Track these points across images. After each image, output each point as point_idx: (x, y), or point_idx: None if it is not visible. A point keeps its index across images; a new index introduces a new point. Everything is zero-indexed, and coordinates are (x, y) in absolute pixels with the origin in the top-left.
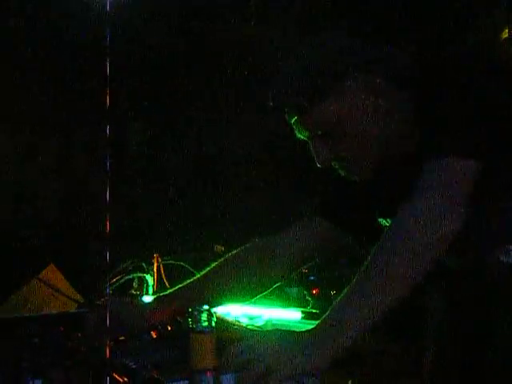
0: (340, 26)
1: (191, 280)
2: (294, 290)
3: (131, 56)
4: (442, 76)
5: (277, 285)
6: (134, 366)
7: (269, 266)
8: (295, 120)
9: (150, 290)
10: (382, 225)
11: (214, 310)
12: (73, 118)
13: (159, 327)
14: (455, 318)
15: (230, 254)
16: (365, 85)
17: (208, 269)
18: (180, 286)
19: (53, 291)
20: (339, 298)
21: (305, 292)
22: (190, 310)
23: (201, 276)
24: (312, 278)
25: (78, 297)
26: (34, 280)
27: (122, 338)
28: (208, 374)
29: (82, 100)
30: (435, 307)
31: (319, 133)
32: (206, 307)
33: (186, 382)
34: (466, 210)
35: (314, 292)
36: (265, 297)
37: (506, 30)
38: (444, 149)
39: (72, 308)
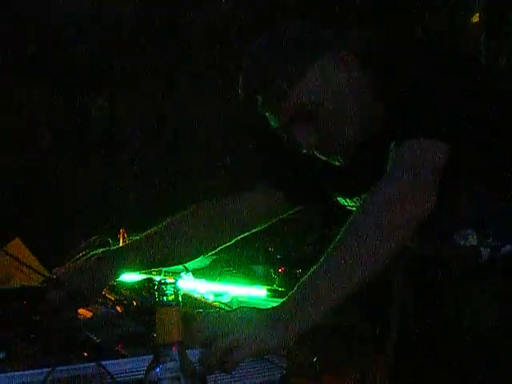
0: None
1: (139, 237)
2: (260, 267)
3: (94, 31)
4: (405, 56)
5: (222, 246)
6: (98, 341)
7: (218, 226)
8: (271, 108)
9: None
10: (340, 203)
11: (179, 286)
12: (36, 93)
13: (124, 301)
14: (418, 297)
15: (178, 213)
16: (336, 60)
17: (155, 227)
18: (128, 243)
19: (18, 264)
20: (306, 276)
21: (271, 270)
22: (156, 283)
23: (147, 234)
24: (278, 256)
25: (46, 272)
26: (0, 252)
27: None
28: (173, 348)
29: (45, 76)
30: (400, 286)
31: (300, 115)
32: (172, 281)
33: (151, 356)
34: (436, 192)
35: (280, 270)
36: (231, 274)
37: (477, 15)
38: (415, 131)
39: (37, 282)
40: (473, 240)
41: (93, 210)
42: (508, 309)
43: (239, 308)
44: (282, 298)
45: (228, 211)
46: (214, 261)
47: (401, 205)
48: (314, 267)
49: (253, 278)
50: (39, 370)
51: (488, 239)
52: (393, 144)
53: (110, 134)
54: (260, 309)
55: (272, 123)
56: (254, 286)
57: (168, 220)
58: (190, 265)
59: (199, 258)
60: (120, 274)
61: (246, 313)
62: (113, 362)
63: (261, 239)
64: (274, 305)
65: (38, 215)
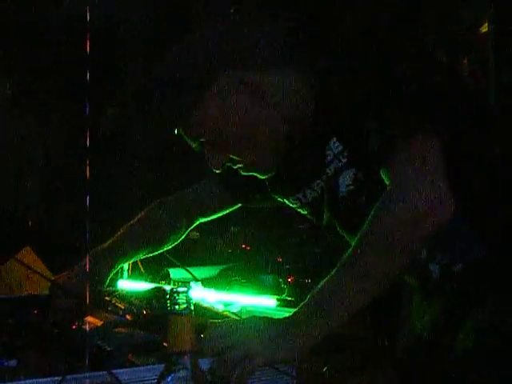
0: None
1: (126, 228)
2: (270, 277)
3: (103, 40)
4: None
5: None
6: (109, 349)
7: (174, 217)
8: (177, 129)
9: (125, 274)
10: (284, 202)
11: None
12: (49, 102)
13: (134, 310)
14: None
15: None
16: (237, 83)
17: (124, 228)
18: (115, 236)
19: (29, 272)
20: (318, 287)
21: (280, 280)
22: (168, 291)
23: (130, 225)
24: (287, 266)
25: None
26: (12, 260)
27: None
28: (185, 357)
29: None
30: (407, 297)
31: (203, 139)
32: (184, 289)
33: (162, 365)
34: (452, 195)
35: (289, 280)
36: (240, 283)
37: (486, 25)
38: (408, 131)
39: (46, 290)
40: (422, 254)
41: (102, 218)
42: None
43: (251, 317)
44: (291, 307)
45: (183, 202)
46: (223, 270)
47: (416, 221)
48: (326, 279)
49: (262, 288)
50: (50, 379)
51: (437, 256)
52: (333, 141)
53: (120, 140)
54: (272, 318)
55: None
56: (264, 296)
57: (141, 213)
58: (200, 274)
59: (208, 268)
60: (116, 267)
61: (258, 323)
62: (124, 370)
63: (269, 249)
64: (284, 315)
65: (47, 223)
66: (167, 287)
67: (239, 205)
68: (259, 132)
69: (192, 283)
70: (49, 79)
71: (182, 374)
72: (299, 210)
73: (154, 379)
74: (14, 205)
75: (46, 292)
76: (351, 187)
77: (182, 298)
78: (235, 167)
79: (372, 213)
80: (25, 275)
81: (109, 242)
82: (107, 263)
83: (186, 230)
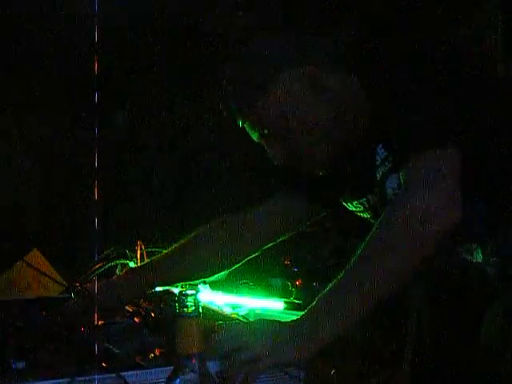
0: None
1: (161, 254)
2: (277, 280)
3: (114, 50)
4: (398, 62)
5: (245, 259)
6: (117, 351)
7: (238, 240)
8: (242, 122)
9: None
10: (348, 209)
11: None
12: (60, 108)
13: (142, 313)
14: (432, 312)
15: (200, 228)
16: (299, 76)
17: (178, 243)
18: (150, 260)
19: (37, 274)
20: (326, 289)
21: (288, 283)
22: (176, 294)
23: (171, 250)
24: (295, 269)
25: (65, 283)
26: (20, 262)
27: (103, 322)
28: (193, 359)
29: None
30: (417, 300)
31: (266, 132)
32: (192, 292)
33: (170, 367)
34: (461, 202)
35: (297, 283)
36: (248, 286)
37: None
38: (423, 140)
39: (55, 292)
40: (478, 256)
41: (110, 222)
42: None
43: (259, 320)
44: (299, 310)
45: (248, 223)
46: (231, 273)
47: (427, 216)
48: (333, 282)
49: (270, 291)
50: (58, 381)
51: (492, 257)
52: (379, 147)
53: (127, 143)
54: (280, 321)
55: (250, 135)
56: (271, 299)
57: (191, 235)
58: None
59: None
60: (149, 289)
61: (266, 325)
62: (132, 373)
63: (277, 252)
64: (292, 318)
65: (55, 226)
66: (175, 290)
67: (312, 218)
68: (317, 126)
69: (200, 286)
70: (52, 81)
71: (189, 376)
72: (361, 214)
73: (161, 382)
74: (19, 208)
75: (55, 294)
76: (396, 191)
77: (190, 301)
78: (295, 166)
79: (382, 215)
80: (33, 277)
81: (149, 261)
82: (140, 282)
83: (245, 257)
